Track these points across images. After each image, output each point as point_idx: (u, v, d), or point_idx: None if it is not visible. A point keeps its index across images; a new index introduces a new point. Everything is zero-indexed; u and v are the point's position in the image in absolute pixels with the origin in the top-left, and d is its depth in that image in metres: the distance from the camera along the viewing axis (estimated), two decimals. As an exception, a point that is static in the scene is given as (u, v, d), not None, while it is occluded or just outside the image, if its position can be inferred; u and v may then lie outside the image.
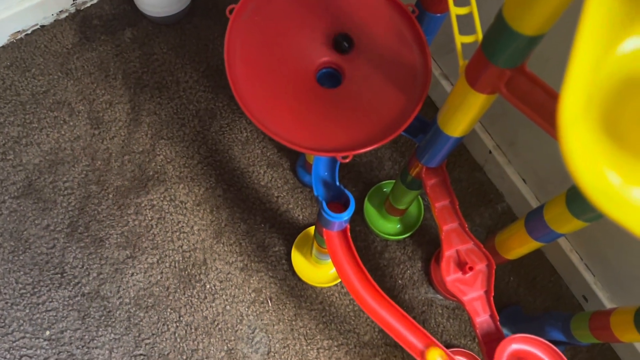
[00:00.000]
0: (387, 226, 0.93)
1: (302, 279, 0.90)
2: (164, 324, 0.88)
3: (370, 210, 0.94)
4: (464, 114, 0.52)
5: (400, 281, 0.92)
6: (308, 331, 0.89)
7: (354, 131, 0.57)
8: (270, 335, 0.88)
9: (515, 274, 0.92)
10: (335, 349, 0.88)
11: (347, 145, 0.56)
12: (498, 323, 0.67)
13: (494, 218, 0.96)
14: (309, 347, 0.88)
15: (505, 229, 0.69)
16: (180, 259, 0.91)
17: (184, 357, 0.87)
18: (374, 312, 0.63)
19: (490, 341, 0.66)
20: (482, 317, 0.68)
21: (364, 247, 0.94)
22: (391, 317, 0.63)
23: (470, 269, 0.67)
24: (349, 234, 0.65)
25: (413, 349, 0.62)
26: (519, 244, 0.65)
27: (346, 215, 0.60)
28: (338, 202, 0.63)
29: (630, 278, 0.77)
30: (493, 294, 0.68)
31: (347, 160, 0.55)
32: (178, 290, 0.90)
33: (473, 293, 0.68)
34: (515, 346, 0.64)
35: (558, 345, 0.79)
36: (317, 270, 0.90)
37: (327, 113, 0.57)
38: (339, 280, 0.91)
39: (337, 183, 0.63)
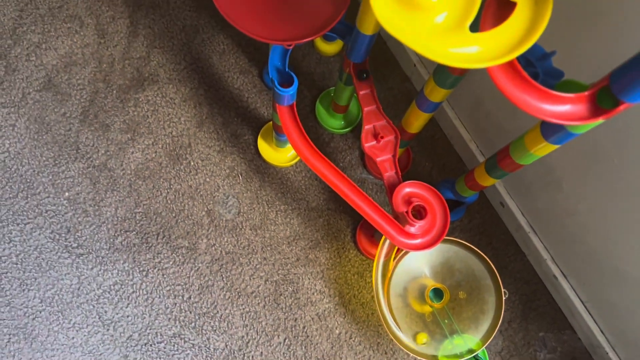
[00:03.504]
0: (333, 122, 1.19)
1: (266, 160, 1.16)
2: (157, 190, 1.14)
3: (320, 109, 1.20)
4: (371, 14, 0.77)
5: (341, 164, 1.19)
6: (269, 198, 1.16)
7: (296, 29, 0.82)
8: (240, 201, 1.15)
9: (429, 160, 1.20)
10: (290, 211, 1.15)
11: (291, 37, 0.81)
12: (400, 177, 0.94)
13: (418, 119, 1.22)
14: (269, 210, 1.15)
15: (407, 111, 0.95)
16: (170, 142, 1.17)
17: (173, 215, 1.13)
18: (309, 161, 0.89)
19: (394, 189, 0.93)
20: (389, 173, 0.95)
21: (315, 138, 1.20)
22: (319, 163, 0.90)
23: (382, 137, 0.94)
24: (295, 109, 0.91)
25: (339, 180, 0.89)
26: (415, 118, 0.92)
27: (291, 90, 0.85)
28: (287, 85, 0.88)
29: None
30: (397, 157, 0.95)
31: (291, 47, 0.80)
32: (168, 165, 1.15)
33: (384, 156, 0.95)
34: (408, 189, 0.91)
35: (453, 204, 1.08)
36: (277, 153, 1.16)
37: (279, 14, 0.82)
38: (295, 161, 1.17)
39: (287, 69, 0.88)
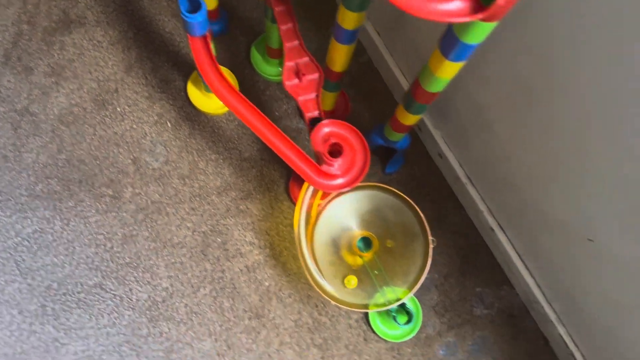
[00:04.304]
0: (269, 69, 1.15)
1: (197, 107, 1.11)
2: (81, 136, 1.09)
3: (255, 55, 1.15)
4: None
5: (277, 113, 1.14)
6: (199, 147, 1.11)
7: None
8: (168, 149, 1.10)
9: (370, 111, 1.15)
10: (221, 161, 1.11)
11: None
12: (323, 116, 0.89)
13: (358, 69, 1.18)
14: (199, 159, 1.10)
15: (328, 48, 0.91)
16: (96, 86, 1.12)
17: (97, 162, 1.08)
18: (220, 92, 0.85)
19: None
20: (312, 113, 0.90)
21: (250, 86, 1.15)
22: (237, 103, 0.85)
23: (303, 75, 0.89)
24: (209, 41, 0.86)
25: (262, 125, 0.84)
26: (334, 52, 0.87)
27: (200, 17, 0.80)
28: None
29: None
30: (321, 97, 0.90)
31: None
32: (94, 111, 1.11)
33: (306, 96, 0.91)
34: (327, 129, 0.87)
35: (389, 154, 1.04)
36: (208, 100, 1.12)
37: None
38: (227, 109, 1.12)
39: (196, -4, 0.83)
